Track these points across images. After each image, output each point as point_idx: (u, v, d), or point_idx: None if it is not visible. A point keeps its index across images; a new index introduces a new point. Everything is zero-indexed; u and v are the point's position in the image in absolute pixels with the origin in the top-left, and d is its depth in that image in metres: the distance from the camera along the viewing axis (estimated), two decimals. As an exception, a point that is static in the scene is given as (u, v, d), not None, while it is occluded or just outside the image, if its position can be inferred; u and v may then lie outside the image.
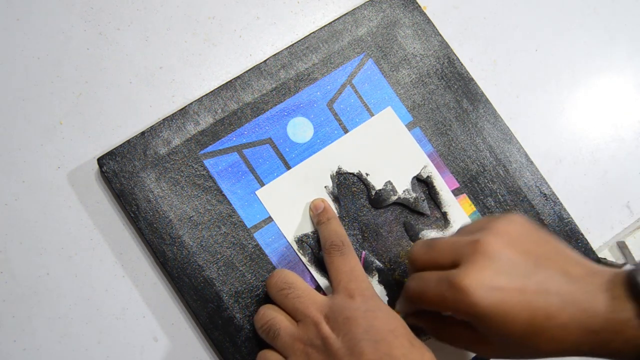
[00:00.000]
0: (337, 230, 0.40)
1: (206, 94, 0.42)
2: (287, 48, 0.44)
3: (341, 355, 0.34)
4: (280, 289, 0.38)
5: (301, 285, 0.38)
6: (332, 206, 0.42)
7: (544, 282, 0.32)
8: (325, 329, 0.35)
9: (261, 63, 0.44)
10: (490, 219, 0.36)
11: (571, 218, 0.46)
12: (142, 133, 0.41)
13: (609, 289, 0.32)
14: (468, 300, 0.32)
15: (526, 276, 0.32)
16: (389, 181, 0.44)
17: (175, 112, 0.42)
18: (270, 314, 0.37)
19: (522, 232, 0.35)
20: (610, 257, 0.49)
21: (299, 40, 0.44)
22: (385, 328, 0.35)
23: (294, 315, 0.37)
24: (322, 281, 0.41)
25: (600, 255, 0.48)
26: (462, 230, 0.38)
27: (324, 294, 0.41)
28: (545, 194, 0.46)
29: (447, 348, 0.42)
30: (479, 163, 0.46)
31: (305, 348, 0.35)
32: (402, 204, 0.44)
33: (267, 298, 0.40)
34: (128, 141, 0.41)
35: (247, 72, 0.43)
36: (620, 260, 0.49)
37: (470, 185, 0.45)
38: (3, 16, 0.43)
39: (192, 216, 0.41)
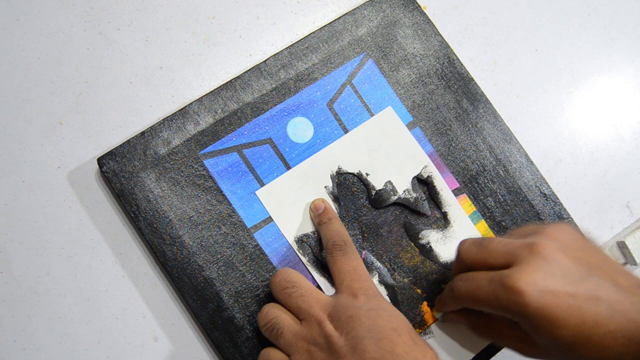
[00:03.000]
0: (338, 230, 0.40)
1: (206, 94, 0.42)
2: (287, 48, 0.44)
3: (344, 353, 0.34)
4: (284, 287, 0.38)
5: (305, 284, 0.38)
6: (332, 206, 0.42)
7: (594, 289, 0.33)
8: (329, 327, 0.35)
9: (261, 63, 0.44)
10: (541, 225, 0.37)
11: (571, 218, 0.46)
12: (142, 133, 0.41)
13: None
14: (521, 301, 0.32)
15: (578, 282, 0.33)
16: (389, 181, 0.44)
17: (175, 112, 0.42)
18: (274, 313, 0.37)
19: (574, 240, 0.35)
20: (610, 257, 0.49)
21: (299, 40, 0.44)
22: (388, 326, 0.35)
23: (298, 314, 0.37)
24: (322, 281, 0.41)
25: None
26: (511, 234, 0.38)
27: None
28: (545, 194, 0.46)
29: (448, 347, 0.42)
30: (479, 163, 0.46)
31: (308, 346, 0.35)
32: (402, 204, 0.44)
33: (267, 298, 0.40)
34: (128, 141, 0.41)
35: (247, 72, 0.43)
36: (620, 260, 0.49)
37: (471, 185, 0.45)
38: (3, 16, 0.43)
39: (192, 216, 0.41)
